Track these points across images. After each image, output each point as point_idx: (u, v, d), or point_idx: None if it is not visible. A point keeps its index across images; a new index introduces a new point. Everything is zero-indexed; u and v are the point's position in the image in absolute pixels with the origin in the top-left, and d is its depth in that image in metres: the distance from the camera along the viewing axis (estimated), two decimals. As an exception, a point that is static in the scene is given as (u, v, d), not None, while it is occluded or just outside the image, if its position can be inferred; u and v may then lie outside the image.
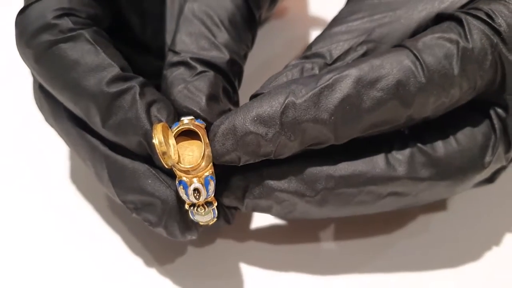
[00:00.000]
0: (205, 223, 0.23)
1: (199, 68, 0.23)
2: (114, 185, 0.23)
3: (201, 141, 0.22)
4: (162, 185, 0.23)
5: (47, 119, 0.26)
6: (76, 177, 0.30)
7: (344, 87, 0.21)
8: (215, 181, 0.22)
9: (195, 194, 0.21)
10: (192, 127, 0.22)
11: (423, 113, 0.22)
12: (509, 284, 0.26)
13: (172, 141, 0.21)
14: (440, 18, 0.24)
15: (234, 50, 0.25)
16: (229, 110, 0.24)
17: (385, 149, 0.23)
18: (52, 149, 0.31)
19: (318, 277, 0.26)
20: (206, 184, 0.21)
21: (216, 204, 0.22)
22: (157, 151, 0.20)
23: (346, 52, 0.24)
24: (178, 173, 0.21)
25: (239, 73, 0.25)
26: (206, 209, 0.22)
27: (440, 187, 0.23)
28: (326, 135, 0.22)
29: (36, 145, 0.31)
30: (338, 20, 0.26)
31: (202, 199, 0.22)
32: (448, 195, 0.25)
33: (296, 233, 0.27)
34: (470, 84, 0.22)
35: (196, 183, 0.21)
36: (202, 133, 0.22)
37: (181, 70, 0.24)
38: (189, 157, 0.22)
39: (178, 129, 0.22)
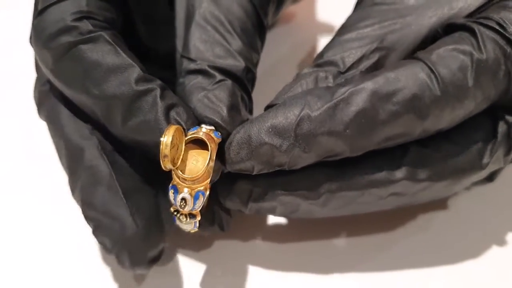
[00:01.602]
0: (185, 230, 0.23)
1: (218, 76, 0.24)
2: (84, 198, 0.23)
3: (215, 147, 0.22)
4: (127, 212, 0.23)
5: (40, 115, 0.26)
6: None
7: (360, 101, 0.22)
8: (205, 197, 0.22)
9: (182, 203, 0.22)
10: (204, 138, 0.22)
11: (438, 125, 0.23)
12: (510, 283, 0.26)
13: (182, 145, 0.22)
14: (451, 28, 0.24)
15: (248, 58, 0.25)
16: (247, 119, 0.24)
17: (386, 152, 0.24)
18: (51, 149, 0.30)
19: (318, 276, 0.26)
20: (195, 198, 0.22)
21: (199, 218, 0.23)
22: (160, 151, 0.20)
23: (359, 60, 0.24)
24: (174, 177, 0.22)
25: (252, 81, 0.26)
26: (188, 219, 0.22)
27: (439, 187, 0.24)
28: (341, 147, 0.22)
29: (37, 145, 0.32)
30: (347, 26, 0.26)
31: (186, 210, 0.22)
32: (447, 193, 0.26)
33: (298, 232, 0.28)
34: (484, 94, 0.23)
35: (185, 193, 0.22)
36: (212, 147, 0.22)
37: (200, 78, 0.24)
38: (192, 166, 0.22)
39: (192, 136, 0.22)
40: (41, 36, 0.24)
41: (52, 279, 0.26)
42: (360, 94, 0.22)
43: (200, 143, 0.22)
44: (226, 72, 0.24)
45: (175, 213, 0.23)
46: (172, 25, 0.28)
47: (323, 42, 0.37)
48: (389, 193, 0.24)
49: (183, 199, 0.22)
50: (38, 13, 0.24)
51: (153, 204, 0.24)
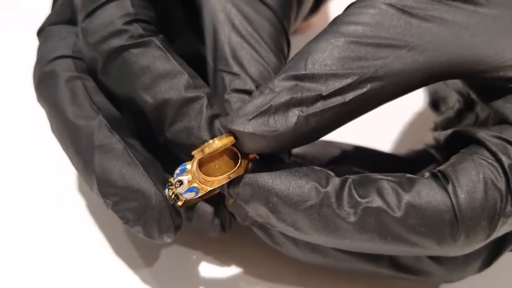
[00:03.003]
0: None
1: None
2: (100, 176, 0.23)
3: (241, 171, 0.22)
4: (149, 182, 0.23)
5: (38, 97, 0.27)
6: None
7: (372, 225, 0.21)
8: (197, 196, 0.22)
9: (177, 183, 0.22)
10: (241, 161, 0.22)
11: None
12: None
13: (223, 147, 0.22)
14: (476, 141, 0.22)
15: None
16: None
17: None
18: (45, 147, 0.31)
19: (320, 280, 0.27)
20: (189, 189, 0.22)
21: (181, 204, 0.23)
22: (202, 145, 0.21)
23: (347, 88, 0.21)
24: (192, 162, 0.22)
25: None
26: (172, 197, 0.23)
27: None
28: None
29: (38, 148, 0.32)
30: (350, 23, 0.21)
31: (176, 191, 0.23)
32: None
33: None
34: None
35: (185, 179, 0.22)
36: (238, 171, 0.22)
37: (248, 99, 0.24)
38: (211, 168, 0.22)
39: (236, 150, 0.22)
40: (91, 39, 0.25)
41: (56, 275, 0.27)
42: (373, 216, 0.21)
43: (236, 159, 0.22)
44: None
45: (169, 183, 0.24)
46: (184, 33, 0.29)
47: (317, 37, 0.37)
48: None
49: (181, 181, 0.22)
50: (86, 16, 0.25)
51: (165, 174, 0.24)
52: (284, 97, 0.21)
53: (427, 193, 0.21)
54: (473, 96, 0.24)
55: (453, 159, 0.22)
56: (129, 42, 0.24)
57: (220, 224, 0.25)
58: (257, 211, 0.22)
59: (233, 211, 0.24)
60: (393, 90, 0.21)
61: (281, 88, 0.21)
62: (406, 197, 0.20)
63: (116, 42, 0.24)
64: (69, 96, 0.25)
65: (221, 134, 0.23)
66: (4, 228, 0.29)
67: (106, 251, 0.28)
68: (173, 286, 0.27)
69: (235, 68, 0.25)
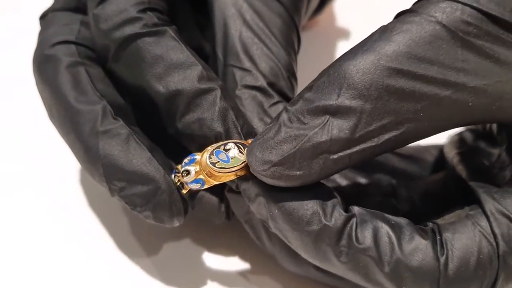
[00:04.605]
0: None
1: (276, 97, 0.24)
2: (106, 162, 0.23)
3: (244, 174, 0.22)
4: (157, 166, 0.23)
5: (38, 84, 0.26)
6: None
7: (359, 268, 0.20)
8: (202, 188, 0.22)
9: (184, 172, 0.22)
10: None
11: None
12: None
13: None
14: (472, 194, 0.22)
15: (291, 72, 0.25)
16: None
17: None
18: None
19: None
20: (195, 180, 0.22)
21: (185, 192, 0.23)
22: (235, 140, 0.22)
23: (381, 128, 0.19)
24: (202, 152, 0.22)
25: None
26: (178, 184, 0.23)
27: None
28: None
29: (38, 150, 0.31)
30: (390, 40, 0.19)
31: (182, 179, 0.23)
32: None
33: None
34: None
35: (192, 169, 0.22)
36: (244, 169, 0.22)
37: (258, 96, 0.24)
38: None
39: (243, 143, 0.22)
40: (103, 25, 0.24)
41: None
42: (363, 262, 0.20)
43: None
44: (282, 94, 0.24)
45: (176, 170, 0.23)
46: (189, 28, 0.29)
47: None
48: None
49: (188, 171, 0.22)
50: (98, 2, 0.24)
51: (168, 160, 0.24)
52: (313, 141, 0.19)
53: (420, 258, 0.20)
54: (502, 138, 0.23)
55: (456, 220, 0.21)
56: (143, 30, 0.24)
57: (225, 211, 0.25)
58: (258, 210, 0.22)
59: (231, 202, 0.24)
60: (430, 131, 0.20)
61: (311, 125, 0.19)
62: (399, 255, 0.20)
63: (130, 29, 0.24)
64: (70, 81, 0.25)
65: (235, 126, 0.23)
66: (4, 223, 0.28)
67: (108, 243, 0.27)
68: (176, 277, 0.26)
69: (247, 64, 0.24)
